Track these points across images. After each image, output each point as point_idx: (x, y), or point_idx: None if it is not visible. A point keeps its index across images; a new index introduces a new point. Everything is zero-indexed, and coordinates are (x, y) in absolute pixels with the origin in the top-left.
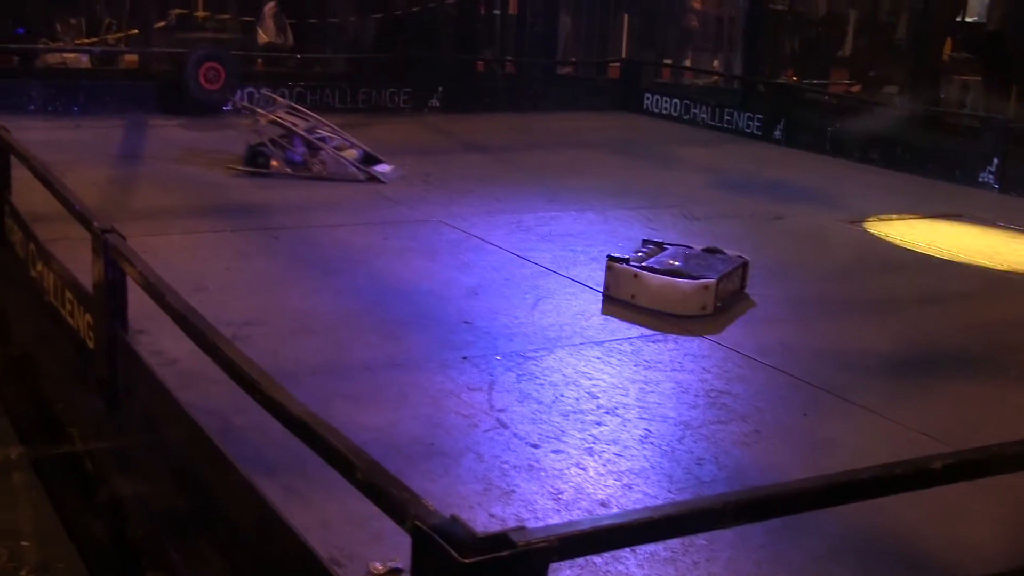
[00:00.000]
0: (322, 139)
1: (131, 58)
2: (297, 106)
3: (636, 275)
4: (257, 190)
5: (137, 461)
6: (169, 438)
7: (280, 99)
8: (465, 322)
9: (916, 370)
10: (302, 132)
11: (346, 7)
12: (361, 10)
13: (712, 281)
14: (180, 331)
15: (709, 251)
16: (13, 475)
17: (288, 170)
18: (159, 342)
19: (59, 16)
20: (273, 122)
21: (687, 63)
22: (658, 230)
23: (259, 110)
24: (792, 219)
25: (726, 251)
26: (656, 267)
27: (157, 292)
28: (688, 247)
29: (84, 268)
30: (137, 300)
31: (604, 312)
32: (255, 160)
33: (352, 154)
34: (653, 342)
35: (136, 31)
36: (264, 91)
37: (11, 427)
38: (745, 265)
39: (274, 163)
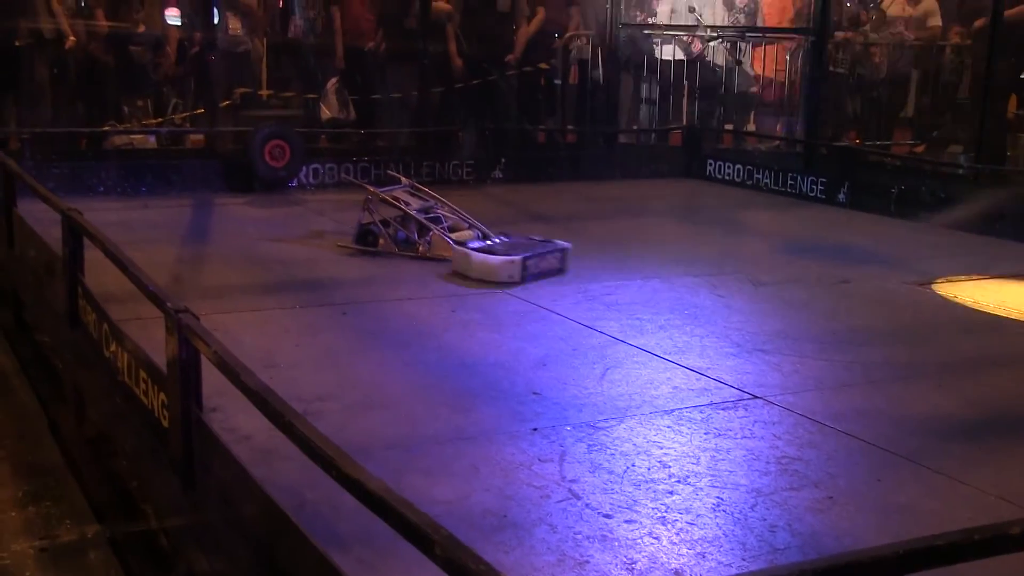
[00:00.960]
0: (437, 219)
1: (196, 137)
2: (419, 185)
3: (467, 254)
4: (324, 266)
5: (213, 537)
6: (245, 514)
7: (404, 178)
8: (534, 393)
9: (991, 434)
10: (414, 212)
11: (407, 81)
12: (422, 84)
13: (517, 258)
14: (252, 408)
15: (542, 241)
16: (90, 553)
17: (395, 249)
18: (231, 419)
19: (126, 98)
20: (385, 200)
21: (749, 128)
22: (724, 296)
23: (371, 188)
24: (859, 283)
25: (556, 242)
26: (480, 248)
27: (232, 371)
28: (529, 238)
29: (156, 347)
30: (208, 377)
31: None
32: (365, 238)
33: (468, 235)
34: (723, 410)
35: (202, 110)
36: (327, 167)
37: (88, 506)
38: (564, 250)
39: (381, 242)
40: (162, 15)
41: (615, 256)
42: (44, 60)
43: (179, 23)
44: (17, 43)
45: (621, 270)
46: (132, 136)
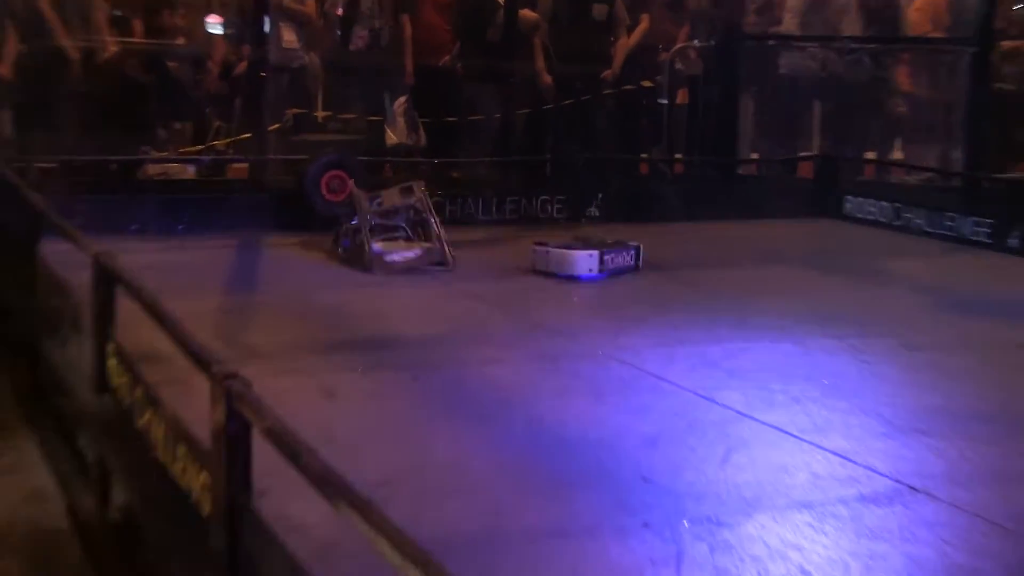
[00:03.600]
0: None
1: (241, 167)
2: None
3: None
4: (391, 320)
5: None
6: None
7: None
8: (643, 479)
9: None
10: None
11: (488, 102)
12: (506, 106)
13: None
14: (309, 492)
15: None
16: None
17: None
18: (285, 505)
19: (162, 121)
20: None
21: (896, 157)
22: (870, 363)
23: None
24: None
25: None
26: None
27: (292, 450)
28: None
29: (197, 418)
30: (256, 453)
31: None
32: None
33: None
34: (876, 505)
35: (247, 135)
36: None
37: None
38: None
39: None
40: (204, 25)
41: (737, 312)
42: (69, 80)
43: (223, 34)
44: (39, 62)
45: (744, 329)
46: (168, 165)
